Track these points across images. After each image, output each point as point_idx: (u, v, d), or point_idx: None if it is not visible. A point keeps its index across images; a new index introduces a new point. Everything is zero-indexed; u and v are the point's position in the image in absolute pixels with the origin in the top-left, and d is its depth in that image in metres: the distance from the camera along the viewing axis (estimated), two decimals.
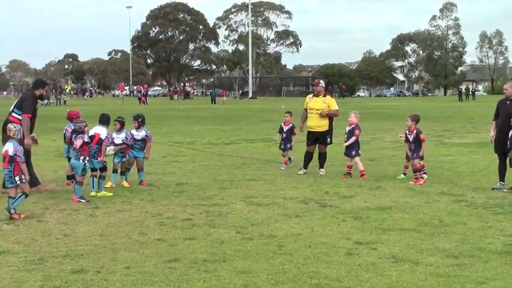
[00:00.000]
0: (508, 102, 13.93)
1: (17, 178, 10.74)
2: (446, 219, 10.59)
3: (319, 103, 16.03)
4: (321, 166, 15.97)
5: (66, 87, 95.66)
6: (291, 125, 17.01)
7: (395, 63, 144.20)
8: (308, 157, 16.18)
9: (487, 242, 8.99)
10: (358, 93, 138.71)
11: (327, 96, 16.30)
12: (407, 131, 14.93)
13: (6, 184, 10.99)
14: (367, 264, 7.90)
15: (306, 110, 16.31)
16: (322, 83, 16.56)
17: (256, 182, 14.60)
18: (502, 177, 13.79)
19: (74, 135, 12.56)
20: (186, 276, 7.33)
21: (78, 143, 12.26)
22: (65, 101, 77.80)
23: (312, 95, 16.35)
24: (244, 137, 27.10)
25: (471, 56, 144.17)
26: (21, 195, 10.80)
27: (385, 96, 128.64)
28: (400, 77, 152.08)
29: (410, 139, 14.72)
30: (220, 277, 7.31)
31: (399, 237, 9.30)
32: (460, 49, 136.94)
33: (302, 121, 16.49)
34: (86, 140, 12.39)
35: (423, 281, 7.19)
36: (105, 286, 6.99)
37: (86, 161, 12.36)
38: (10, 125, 11.40)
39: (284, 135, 17.03)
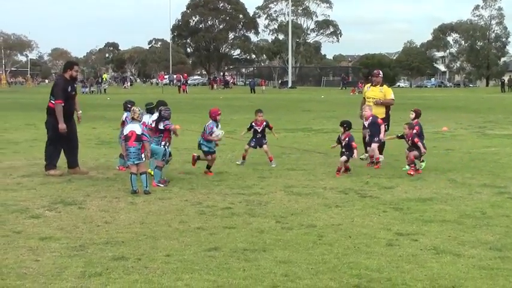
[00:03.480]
0: None
1: (143, 155, 11.96)
2: (489, 211, 10.44)
3: (376, 92, 16.74)
4: (380, 152, 16.05)
5: (103, 75, 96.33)
6: (265, 123, 16.36)
7: (436, 53, 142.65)
8: (365, 142, 16.36)
9: None
10: (398, 84, 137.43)
11: (384, 85, 17.05)
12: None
13: (132, 161, 11.94)
14: (408, 255, 7.83)
15: (365, 98, 17.04)
16: (381, 73, 17.22)
17: (296, 172, 14.57)
18: None
19: (159, 122, 13.01)
20: (225, 265, 7.35)
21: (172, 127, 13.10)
22: (105, 90, 78.51)
23: (370, 84, 17.14)
24: (284, 126, 27.04)
25: None
26: (143, 173, 11.88)
27: (426, 87, 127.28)
28: (441, 68, 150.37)
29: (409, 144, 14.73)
30: (260, 266, 7.31)
31: (440, 229, 9.19)
32: (503, 39, 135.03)
33: (361, 109, 17.00)
34: (172, 127, 13.05)
35: (465, 273, 7.10)
36: (145, 273, 7.03)
37: (167, 147, 12.99)
38: (135, 108, 12.39)
39: (259, 135, 16.34)
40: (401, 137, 14.95)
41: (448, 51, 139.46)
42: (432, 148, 19.51)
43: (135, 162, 11.95)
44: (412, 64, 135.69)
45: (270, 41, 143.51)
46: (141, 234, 8.81)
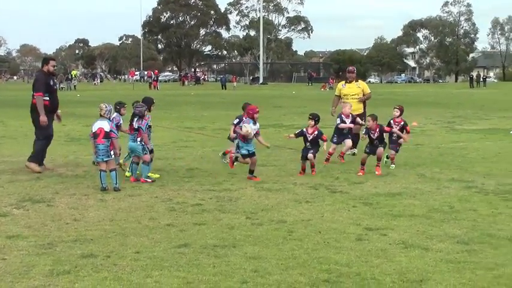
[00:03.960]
0: None
1: (112, 152, 11.92)
2: (457, 205, 10.55)
3: (354, 88, 17.11)
4: (354, 146, 16.30)
5: (72, 72, 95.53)
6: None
7: (406, 49, 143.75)
8: (357, 139, 16.50)
9: (497, 229, 8.95)
10: (369, 80, 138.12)
11: (359, 81, 17.51)
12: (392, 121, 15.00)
13: (101, 158, 11.88)
14: (377, 250, 7.89)
15: (338, 96, 17.33)
16: (355, 70, 17.68)
17: (266, 168, 14.59)
18: None
19: (134, 119, 12.90)
20: (195, 262, 7.34)
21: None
22: (75, 86, 77.87)
23: (345, 81, 17.42)
24: None
25: (483, 43, 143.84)
26: (112, 171, 11.80)
27: (396, 82, 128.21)
28: (411, 64, 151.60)
29: (374, 137, 14.01)
30: (230, 262, 7.31)
31: (409, 223, 9.27)
32: (472, 35, 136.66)
33: (333, 106, 17.47)
34: (142, 124, 12.82)
35: (433, 267, 7.17)
36: (114, 271, 7.00)
37: (141, 142, 12.81)
38: (101, 105, 12.22)
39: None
40: (367, 133, 14.08)
41: (418, 47, 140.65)
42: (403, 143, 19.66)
43: (104, 159, 11.89)
44: (383, 60, 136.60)
45: (241, 37, 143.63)
46: (111, 231, 8.77)
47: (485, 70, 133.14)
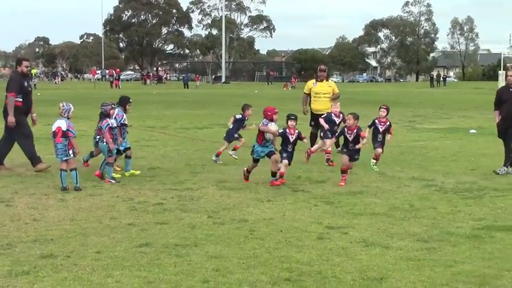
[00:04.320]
0: (511, 89, 14.08)
1: (70, 152, 11.76)
2: (417, 203, 10.67)
3: (325, 87, 17.14)
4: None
5: (32, 70, 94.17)
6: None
7: (368, 49, 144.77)
8: (316, 138, 16.75)
9: (456, 226, 9.08)
10: (331, 79, 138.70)
11: (329, 80, 17.74)
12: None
13: (60, 157, 11.80)
14: (338, 248, 7.94)
15: (308, 94, 17.38)
16: (327, 69, 17.93)
17: (229, 167, 14.59)
18: (505, 161, 13.97)
19: (100, 119, 12.85)
20: (157, 261, 7.31)
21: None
22: (35, 85, 76.90)
23: (315, 80, 17.42)
24: (217, 121, 27.01)
25: (443, 43, 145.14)
26: (72, 170, 11.66)
27: (358, 81, 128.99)
28: (373, 63, 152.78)
29: (350, 139, 12.84)
30: (191, 261, 7.30)
31: (370, 222, 9.35)
32: (432, 35, 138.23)
33: (304, 105, 17.51)
34: (110, 124, 12.71)
35: (393, 265, 7.24)
36: (75, 271, 6.94)
37: (102, 142, 12.68)
38: (60, 104, 12.10)
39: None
40: (341, 133, 13.11)
41: (379, 46, 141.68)
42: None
43: (63, 158, 11.79)
44: (345, 59, 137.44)
45: (203, 36, 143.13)
46: (71, 231, 8.69)
47: (446, 70, 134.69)
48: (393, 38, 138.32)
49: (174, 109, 34.95)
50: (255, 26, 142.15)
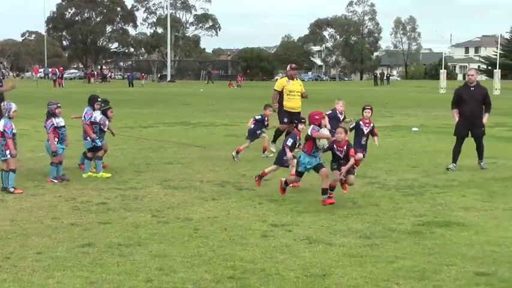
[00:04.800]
0: (472, 88, 14.45)
1: (7, 152, 11.38)
2: (360, 200, 10.80)
3: (297, 85, 17.31)
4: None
5: None
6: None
7: (313, 47, 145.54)
8: (280, 135, 16.92)
9: (397, 223, 9.23)
10: (276, 77, 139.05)
11: (298, 79, 17.90)
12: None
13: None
14: (281, 246, 7.99)
15: (279, 92, 17.25)
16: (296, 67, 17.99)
17: (173, 166, 14.52)
18: (454, 158, 14.30)
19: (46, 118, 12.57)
20: (99, 261, 7.24)
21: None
22: None
23: (287, 78, 17.42)
24: (162, 120, 26.87)
25: (386, 42, 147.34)
26: (9, 171, 11.30)
27: (303, 80, 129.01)
28: (318, 62, 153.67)
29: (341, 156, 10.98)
30: (134, 261, 7.25)
31: (314, 219, 9.43)
32: (376, 35, 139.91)
33: (275, 103, 17.27)
34: (55, 123, 12.43)
35: (336, 261, 7.32)
36: (14, 272, 6.82)
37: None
38: (1, 103, 11.94)
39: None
40: (329, 148, 10.88)
41: (324, 45, 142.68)
42: None
43: (1, 158, 11.53)
44: (290, 58, 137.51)
45: (148, 34, 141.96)
46: (11, 232, 8.53)
47: (389, 68, 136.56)
48: (338, 37, 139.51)
49: (119, 108, 34.51)
50: (200, 25, 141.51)
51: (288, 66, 17.96)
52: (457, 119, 14.51)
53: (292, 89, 17.15)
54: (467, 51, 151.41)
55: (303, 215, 9.69)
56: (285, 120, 16.99)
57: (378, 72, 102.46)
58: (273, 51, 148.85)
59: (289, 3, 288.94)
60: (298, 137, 11.95)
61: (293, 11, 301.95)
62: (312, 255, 7.57)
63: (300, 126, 12.11)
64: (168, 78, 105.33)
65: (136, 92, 59.98)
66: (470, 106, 14.25)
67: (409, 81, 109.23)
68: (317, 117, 10.90)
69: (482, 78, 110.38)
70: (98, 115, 13.62)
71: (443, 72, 66.78)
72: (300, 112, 16.72)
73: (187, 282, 6.59)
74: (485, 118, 14.48)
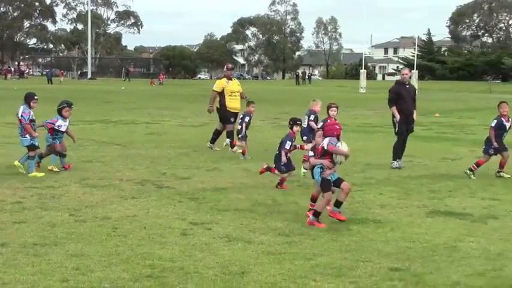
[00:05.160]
0: (407, 86, 14.93)
1: None
2: (280, 198, 10.89)
3: (236, 85, 17.42)
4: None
5: None
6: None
7: (236, 46, 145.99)
8: (219, 135, 17.22)
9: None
10: (199, 76, 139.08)
11: (235, 79, 17.89)
12: None
13: None
14: (201, 244, 7.98)
15: (218, 93, 17.16)
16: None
17: (93, 164, 14.31)
18: (400, 155, 14.71)
19: None
20: (13, 261, 7.07)
21: None
22: None
23: (226, 79, 17.39)
24: (82, 118, 26.38)
25: (308, 42, 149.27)
26: None
27: None
28: (241, 60, 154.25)
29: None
30: (50, 261, 7.11)
31: (234, 217, 9.45)
32: (298, 34, 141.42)
33: (212, 104, 17.31)
34: None
35: (254, 259, 7.36)
36: None
37: None
38: None
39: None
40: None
41: (247, 44, 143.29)
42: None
43: None
44: (213, 56, 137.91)
45: (68, 30, 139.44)
46: None
47: (311, 68, 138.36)
48: (260, 36, 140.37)
49: (37, 105, 33.72)
50: (122, 22, 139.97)
51: (225, 67, 18.13)
52: (398, 116, 14.77)
53: (233, 89, 17.27)
54: (386, 52, 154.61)
55: (223, 213, 9.71)
56: (232, 120, 17.06)
57: (300, 71, 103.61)
58: (195, 50, 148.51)
59: (212, 2, 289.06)
60: (293, 139, 12.05)
61: (216, 10, 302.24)
62: (231, 253, 7.59)
63: (295, 128, 12.13)
64: (89, 76, 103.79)
65: (56, 90, 58.77)
66: (408, 103, 14.63)
67: (330, 81, 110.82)
68: (337, 127, 9.50)
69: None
70: (61, 123, 13.48)
71: (363, 72, 68.02)
72: (238, 113, 17.06)
73: (104, 282, 6.50)
74: (416, 115, 15.01)
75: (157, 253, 7.52)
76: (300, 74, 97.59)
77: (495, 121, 13.48)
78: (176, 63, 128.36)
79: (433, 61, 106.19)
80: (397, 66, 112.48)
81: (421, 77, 77.80)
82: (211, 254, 7.53)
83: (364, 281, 6.70)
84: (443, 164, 15.30)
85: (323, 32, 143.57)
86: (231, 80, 17.41)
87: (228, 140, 16.61)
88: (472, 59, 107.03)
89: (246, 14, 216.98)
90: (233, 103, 17.18)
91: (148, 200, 10.55)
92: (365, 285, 6.58)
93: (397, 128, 14.84)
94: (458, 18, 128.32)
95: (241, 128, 15.82)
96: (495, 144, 13.32)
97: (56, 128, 13.35)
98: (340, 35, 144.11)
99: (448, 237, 8.55)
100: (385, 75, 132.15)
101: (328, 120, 12.41)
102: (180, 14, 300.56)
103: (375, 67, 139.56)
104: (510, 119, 13.57)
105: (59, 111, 13.56)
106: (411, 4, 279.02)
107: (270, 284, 6.57)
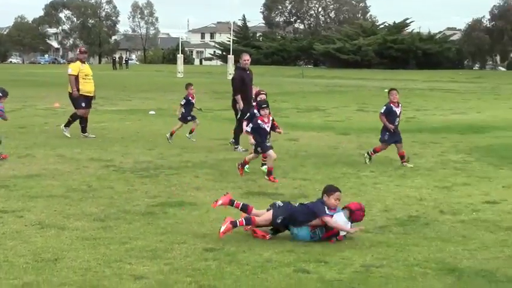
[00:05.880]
0: (248, 72, 15.31)
1: None
2: (95, 184, 10.76)
3: (89, 69, 17.21)
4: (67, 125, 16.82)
5: None
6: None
7: (49, 30, 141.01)
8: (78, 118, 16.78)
9: (132, 205, 9.34)
10: (10, 60, 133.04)
11: (86, 62, 17.55)
12: None
13: None
14: (12, 232, 7.74)
15: (76, 76, 16.69)
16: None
17: None
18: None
19: None
20: None
21: None
22: None
23: (80, 62, 16.98)
24: None
25: (125, 26, 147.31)
26: None
27: (40, 63, 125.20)
28: (55, 44, 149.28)
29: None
30: None
31: (47, 204, 9.24)
32: (114, 18, 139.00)
33: (75, 88, 16.70)
34: None
35: (68, 245, 7.25)
36: None
37: None
38: None
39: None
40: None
41: (60, 28, 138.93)
42: (43, 124, 19.45)
43: None
44: (24, 40, 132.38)
45: None
46: None
47: (128, 52, 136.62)
48: (75, 19, 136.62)
49: None
50: None
51: (78, 50, 17.95)
52: (242, 104, 14.92)
53: (87, 72, 17.02)
54: (203, 36, 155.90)
55: (35, 200, 9.45)
56: (83, 104, 16.71)
57: (117, 56, 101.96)
58: (5, 32, 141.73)
59: None
60: (261, 122, 11.77)
61: None
62: (43, 240, 7.42)
63: (263, 112, 11.85)
64: None
65: None
66: (249, 89, 14.90)
67: (148, 66, 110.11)
68: (362, 214, 8.19)
69: (218, 63, 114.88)
70: None
71: (180, 57, 68.28)
72: (93, 96, 17.11)
73: None
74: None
75: None
76: (117, 59, 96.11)
77: (384, 107, 13.81)
78: None
79: (248, 46, 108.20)
80: (214, 51, 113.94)
81: (236, 62, 79.33)
82: (23, 242, 7.32)
83: (179, 262, 6.80)
84: None
85: (139, 16, 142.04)
86: (84, 63, 17.14)
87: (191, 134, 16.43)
88: (285, 44, 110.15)
89: None
90: (86, 86, 16.86)
91: None
92: (180, 266, 6.68)
93: (239, 115, 15.10)
94: (271, 4, 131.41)
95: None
96: (390, 126, 13.41)
97: None
98: (156, 19, 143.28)
99: None
100: (203, 60, 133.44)
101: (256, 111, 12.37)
102: None
103: (192, 52, 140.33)
104: (400, 105, 13.99)
105: None
106: None
107: (84, 269, 6.49)
